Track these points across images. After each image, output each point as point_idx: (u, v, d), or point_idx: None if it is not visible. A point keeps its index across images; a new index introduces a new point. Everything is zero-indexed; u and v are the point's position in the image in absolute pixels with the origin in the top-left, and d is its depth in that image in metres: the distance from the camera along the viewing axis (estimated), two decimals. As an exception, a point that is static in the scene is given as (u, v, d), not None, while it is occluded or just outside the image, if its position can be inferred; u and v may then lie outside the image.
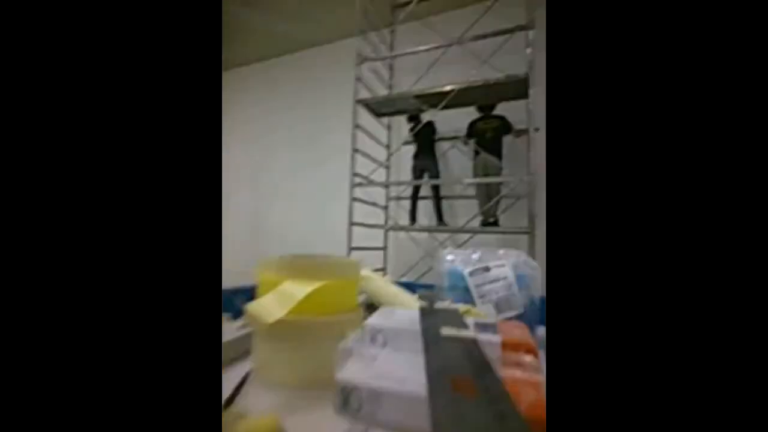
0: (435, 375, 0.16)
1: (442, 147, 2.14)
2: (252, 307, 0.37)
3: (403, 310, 0.35)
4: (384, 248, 2.29)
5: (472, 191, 2.00)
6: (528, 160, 1.61)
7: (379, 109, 2.10)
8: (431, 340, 0.21)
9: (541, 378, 0.20)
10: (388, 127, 2.35)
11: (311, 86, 2.92)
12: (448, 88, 1.74)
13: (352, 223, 1.88)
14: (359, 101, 1.90)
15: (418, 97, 1.81)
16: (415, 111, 1.98)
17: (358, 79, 1.90)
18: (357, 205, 1.91)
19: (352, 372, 0.22)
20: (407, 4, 2.03)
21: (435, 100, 1.79)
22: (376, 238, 2.23)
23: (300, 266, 0.40)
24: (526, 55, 1.60)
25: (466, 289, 0.47)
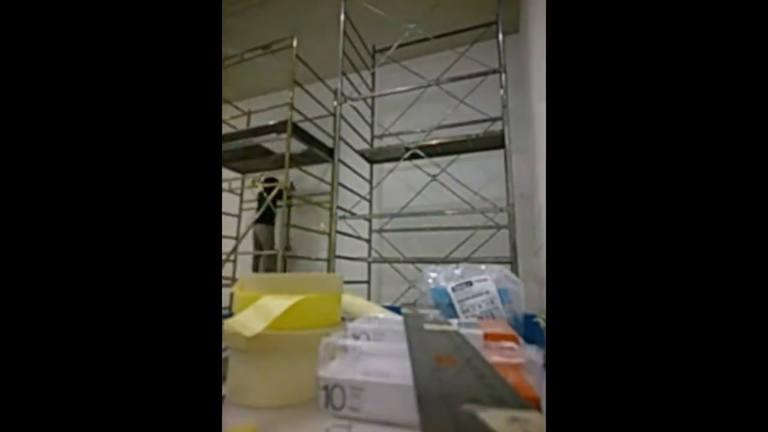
0: (418, 354, 0.16)
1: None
2: (230, 323, 0.35)
3: (386, 316, 0.34)
4: (368, 281, 2.26)
5: (455, 222, 2.03)
6: (507, 191, 1.66)
7: (366, 155, 2.21)
8: (414, 332, 0.21)
9: (522, 360, 0.20)
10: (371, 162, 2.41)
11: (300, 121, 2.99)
12: (434, 141, 1.90)
13: (335, 256, 1.87)
14: (342, 138, 1.96)
15: (407, 149, 1.93)
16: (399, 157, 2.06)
17: (341, 116, 1.96)
18: (340, 238, 1.90)
19: (334, 369, 0.21)
20: (387, 49, 2.16)
21: (423, 151, 1.92)
22: (359, 271, 2.20)
23: (279, 282, 0.40)
24: (500, 96, 1.71)
25: (450, 305, 0.46)
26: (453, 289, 0.46)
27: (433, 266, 0.53)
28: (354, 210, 2.00)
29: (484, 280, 0.46)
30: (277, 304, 0.35)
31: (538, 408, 0.18)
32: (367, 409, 0.19)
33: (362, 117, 2.26)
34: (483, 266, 0.49)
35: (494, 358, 0.20)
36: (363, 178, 2.26)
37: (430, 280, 0.50)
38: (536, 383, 0.19)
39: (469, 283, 0.46)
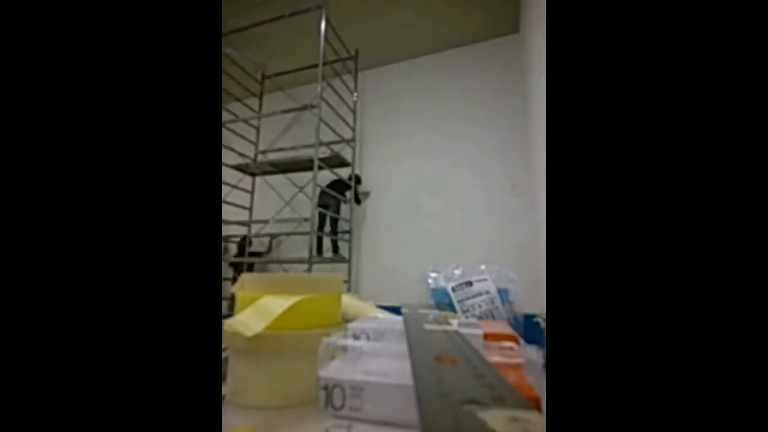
0: (418, 354, 0.16)
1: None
2: (230, 323, 0.35)
3: (386, 316, 0.34)
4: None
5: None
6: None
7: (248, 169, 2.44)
8: (415, 332, 0.21)
9: (522, 360, 0.20)
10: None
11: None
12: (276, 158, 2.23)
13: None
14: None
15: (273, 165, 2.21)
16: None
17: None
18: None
19: (334, 369, 0.21)
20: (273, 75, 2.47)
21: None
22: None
23: (279, 282, 0.39)
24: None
25: (451, 305, 0.46)
26: (453, 289, 0.46)
27: (432, 266, 0.53)
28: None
29: (484, 280, 0.46)
30: (277, 304, 0.35)
31: (538, 408, 0.18)
32: (367, 409, 0.19)
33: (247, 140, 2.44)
34: (483, 266, 0.49)
35: (494, 358, 0.20)
36: (244, 190, 2.46)
37: (430, 281, 0.50)
38: (536, 383, 0.19)
39: (469, 283, 0.46)
